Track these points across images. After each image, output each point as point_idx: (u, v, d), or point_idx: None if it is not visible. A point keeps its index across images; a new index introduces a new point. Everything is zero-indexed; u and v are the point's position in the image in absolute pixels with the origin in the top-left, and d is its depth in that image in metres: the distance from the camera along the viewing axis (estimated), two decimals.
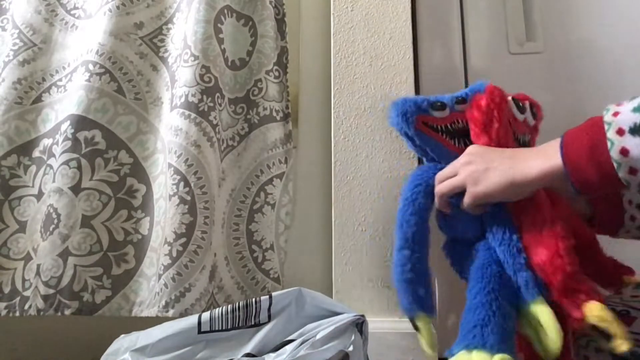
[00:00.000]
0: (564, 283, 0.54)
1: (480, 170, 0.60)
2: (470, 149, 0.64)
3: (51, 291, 0.81)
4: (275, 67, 0.96)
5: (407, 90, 0.87)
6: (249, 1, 0.98)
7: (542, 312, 0.55)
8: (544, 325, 0.54)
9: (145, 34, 0.96)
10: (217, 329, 0.57)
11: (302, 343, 0.54)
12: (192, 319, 0.58)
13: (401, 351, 0.76)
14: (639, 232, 0.64)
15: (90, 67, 0.91)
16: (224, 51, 0.93)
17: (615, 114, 0.50)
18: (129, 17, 0.96)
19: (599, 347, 0.62)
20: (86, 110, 0.88)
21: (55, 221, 0.83)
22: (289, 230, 0.92)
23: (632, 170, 0.48)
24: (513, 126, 0.69)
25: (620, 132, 0.48)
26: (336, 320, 0.56)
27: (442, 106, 0.70)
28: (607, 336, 0.52)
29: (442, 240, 0.72)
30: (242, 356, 0.55)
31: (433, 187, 0.67)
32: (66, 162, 0.85)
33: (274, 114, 0.94)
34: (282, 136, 0.94)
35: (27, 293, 0.83)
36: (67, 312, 0.81)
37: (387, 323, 0.79)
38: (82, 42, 0.97)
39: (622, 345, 0.49)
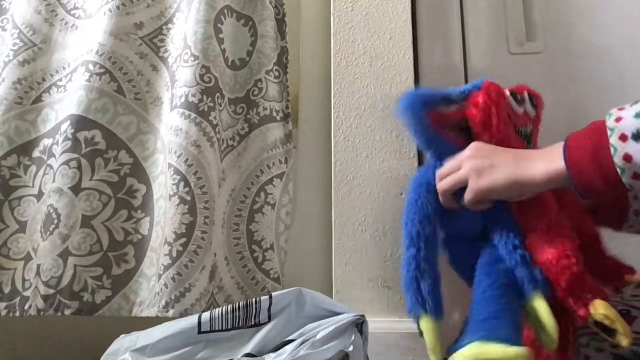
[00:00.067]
0: (570, 283, 0.55)
1: (486, 165, 0.59)
2: (475, 144, 0.63)
3: (51, 291, 0.81)
4: (275, 67, 0.96)
5: (407, 91, 0.87)
6: (249, 1, 0.98)
7: (539, 307, 0.56)
8: (541, 320, 0.55)
9: (145, 34, 0.96)
10: (217, 329, 0.57)
11: (302, 343, 0.54)
12: (192, 319, 0.57)
13: (401, 351, 0.76)
14: None
15: (90, 67, 0.91)
16: (224, 51, 0.93)
17: (618, 119, 0.50)
18: (129, 17, 0.96)
19: (600, 347, 0.62)
20: (86, 110, 0.88)
21: (55, 221, 0.83)
22: (289, 230, 0.92)
23: (635, 175, 0.48)
24: (513, 120, 0.68)
25: (623, 137, 0.49)
26: (336, 320, 0.56)
27: (452, 101, 0.68)
28: (609, 333, 0.53)
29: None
30: (242, 356, 0.55)
31: (434, 185, 0.66)
32: (66, 162, 0.85)
33: (274, 114, 0.94)
34: (282, 136, 0.94)
35: (27, 293, 0.83)
36: (67, 312, 0.81)
37: (387, 323, 0.79)
38: (82, 42, 0.97)
39: (623, 340, 0.52)
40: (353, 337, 0.55)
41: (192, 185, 0.82)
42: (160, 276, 0.79)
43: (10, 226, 0.87)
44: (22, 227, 0.87)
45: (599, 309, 0.53)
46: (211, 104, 0.88)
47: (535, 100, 0.74)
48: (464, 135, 0.69)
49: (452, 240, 0.69)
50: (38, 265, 0.83)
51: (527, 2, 0.99)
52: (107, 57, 0.92)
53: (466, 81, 0.96)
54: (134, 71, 0.94)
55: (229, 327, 0.57)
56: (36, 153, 0.91)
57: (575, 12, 0.98)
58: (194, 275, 0.79)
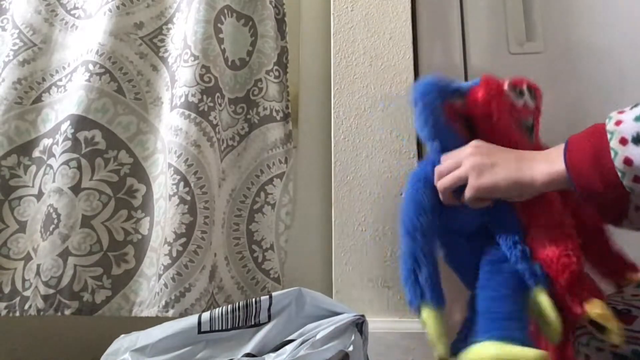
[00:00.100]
0: (570, 281, 0.55)
1: (486, 163, 0.59)
2: (476, 142, 0.63)
3: (51, 291, 0.81)
4: (275, 67, 0.96)
5: (407, 91, 0.87)
6: (249, 1, 0.98)
7: (543, 301, 0.56)
8: (544, 314, 0.56)
9: (145, 34, 0.96)
10: (217, 329, 0.57)
11: (302, 343, 0.54)
12: (192, 319, 0.57)
13: (401, 351, 0.76)
14: None
15: (90, 67, 0.91)
16: (224, 51, 0.93)
17: (618, 122, 0.50)
18: (129, 17, 0.96)
19: (600, 346, 0.62)
20: (86, 110, 0.88)
21: (55, 221, 0.83)
22: (289, 230, 0.92)
23: (636, 179, 0.48)
24: (514, 113, 0.68)
25: (623, 141, 0.49)
26: (336, 320, 0.56)
27: (461, 94, 0.67)
28: (602, 331, 0.54)
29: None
30: (242, 356, 0.55)
31: (433, 179, 0.66)
32: (66, 162, 0.85)
33: (274, 114, 0.94)
34: (282, 136, 0.94)
35: (27, 293, 0.83)
36: (67, 312, 0.81)
37: (387, 323, 0.79)
38: (82, 42, 0.97)
39: (615, 338, 0.53)
40: (353, 337, 0.55)
41: (192, 185, 0.82)
42: (160, 276, 0.79)
43: (10, 226, 0.87)
44: (22, 227, 0.87)
45: (595, 308, 0.54)
46: (211, 104, 0.88)
47: (534, 91, 0.73)
48: (468, 129, 0.68)
49: (449, 234, 0.68)
50: (38, 265, 0.83)
51: (527, 2, 0.99)
52: (107, 57, 0.92)
53: (466, 81, 0.96)
54: (134, 71, 0.94)
55: (229, 327, 0.57)
56: (36, 153, 0.91)
57: (575, 12, 0.98)
58: (194, 275, 0.79)
